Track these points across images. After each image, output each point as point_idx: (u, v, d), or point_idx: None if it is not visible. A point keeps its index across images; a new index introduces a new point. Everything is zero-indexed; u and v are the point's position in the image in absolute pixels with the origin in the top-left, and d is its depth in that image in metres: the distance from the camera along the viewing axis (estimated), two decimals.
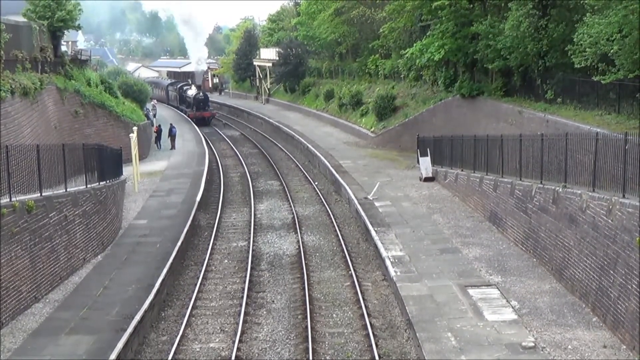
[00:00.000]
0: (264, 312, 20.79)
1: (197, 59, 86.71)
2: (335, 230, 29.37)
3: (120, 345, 16.52)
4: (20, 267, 18.81)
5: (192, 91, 74.33)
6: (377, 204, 31.10)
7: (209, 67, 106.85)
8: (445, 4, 37.30)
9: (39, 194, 20.69)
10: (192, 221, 29.19)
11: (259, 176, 43.42)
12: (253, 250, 26.86)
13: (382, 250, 24.13)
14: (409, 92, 50.60)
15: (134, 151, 36.80)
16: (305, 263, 24.83)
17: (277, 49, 78.60)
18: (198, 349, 18.34)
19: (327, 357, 17.77)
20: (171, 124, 53.30)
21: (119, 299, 19.89)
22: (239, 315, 20.07)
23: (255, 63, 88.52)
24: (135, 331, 17.78)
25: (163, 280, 21.51)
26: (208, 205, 34.89)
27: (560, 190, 20.80)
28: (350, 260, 25.10)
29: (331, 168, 40.14)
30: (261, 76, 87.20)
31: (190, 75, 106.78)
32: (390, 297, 21.47)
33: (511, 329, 17.22)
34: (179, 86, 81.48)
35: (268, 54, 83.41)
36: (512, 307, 18.68)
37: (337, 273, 24.27)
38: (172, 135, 51.23)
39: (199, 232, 29.91)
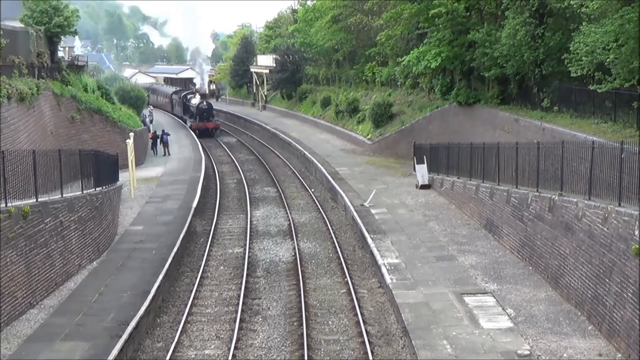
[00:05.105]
0: (260, 319, 20.76)
1: (201, 62, 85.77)
2: (332, 237, 29.36)
3: (115, 351, 16.47)
4: (16, 273, 18.76)
5: (195, 100, 68.95)
6: (373, 211, 31.09)
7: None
8: (442, 12, 37.41)
9: (34, 200, 20.67)
10: (188, 227, 29.15)
11: (256, 183, 43.41)
12: (249, 256, 26.82)
13: (378, 257, 24.11)
14: (406, 100, 50.68)
15: (131, 157, 36.75)
16: (301, 270, 24.80)
17: (274, 56, 78.60)
18: (193, 356, 18.29)
19: None
20: (163, 130, 53.22)
21: (115, 305, 19.83)
22: (235, 322, 20.03)
23: (252, 70, 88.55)
24: (131, 337, 17.73)
25: (158, 286, 21.46)
26: (204, 211, 34.86)
27: (556, 198, 20.84)
28: (346, 267, 25.08)
29: (327, 175, 40.15)
30: (258, 83, 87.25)
31: (188, 82, 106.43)
32: (386, 304, 21.45)
33: (507, 337, 17.22)
34: (182, 94, 76.65)
35: (265, 61, 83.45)
36: (508, 315, 18.68)
37: (333, 280, 24.24)
38: (163, 142, 51.20)
39: (195, 238, 29.87)
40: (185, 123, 71.42)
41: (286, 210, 34.94)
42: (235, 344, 18.58)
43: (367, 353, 17.82)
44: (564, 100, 31.16)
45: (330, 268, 25.61)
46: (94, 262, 24.23)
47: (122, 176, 35.77)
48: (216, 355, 18.31)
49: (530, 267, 22.37)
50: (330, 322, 20.39)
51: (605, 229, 17.49)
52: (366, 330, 19.17)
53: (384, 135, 48.85)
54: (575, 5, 26.09)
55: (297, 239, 29.23)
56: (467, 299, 19.89)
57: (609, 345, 16.55)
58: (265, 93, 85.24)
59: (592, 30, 24.37)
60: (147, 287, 21.16)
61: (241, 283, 23.49)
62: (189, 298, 22.22)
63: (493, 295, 20.15)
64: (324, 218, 32.92)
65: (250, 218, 33.34)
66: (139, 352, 18.39)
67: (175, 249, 25.26)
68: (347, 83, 65.40)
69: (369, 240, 26.21)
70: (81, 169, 25.66)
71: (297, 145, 52.91)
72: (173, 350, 18.26)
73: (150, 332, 19.74)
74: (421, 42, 42.53)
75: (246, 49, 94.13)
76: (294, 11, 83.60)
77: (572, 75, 27.10)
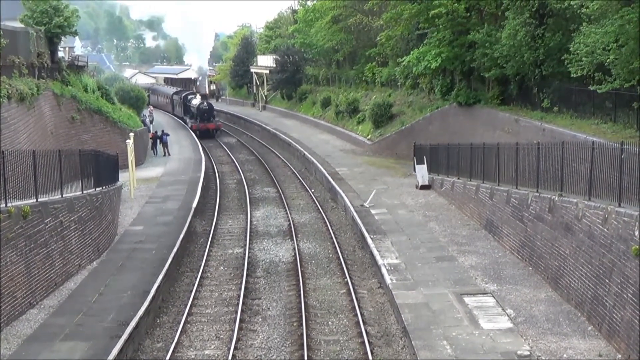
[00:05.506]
0: (260, 319, 20.75)
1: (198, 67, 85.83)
2: (331, 238, 29.35)
3: (115, 351, 16.47)
4: (15, 273, 18.75)
5: (196, 100, 68.39)
6: (373, 211, 31.09)
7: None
8: (442, 12, 37.41)
9: (34, 200, 20.66)
10: (188, 228, 29.15)
11: (256, 183, 43.41)
12: (249, 257, 26.81)
13: (378, 257, 24.11)
14: (406, 100, 50.67)
15: (131, 157, 36.75)
16: (301, 270, 24.80)
17: (274, 56, 78.60)
18: (193, 356, 18.29)
19: None
20: (162, 131, 53.35)
21: (114, 306, 19.83)
22: (235, 322, 20.03)
23: (252, 70, 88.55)
24: (130, 338, 17.72)
25: (158, 286, 21.45)
26: (204, 211, 34.86)
27: (556, 198, 20.83)
28: (346, 267, 25.07)
29: (327, 175, 40.15)
30: (258, 83, 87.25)
31: (188, 82, 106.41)
32: (385, 304, 21.44)
33: (507, 338, 17.21)
34: (183, 95, 75.78)
35: (265, 61, 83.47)
36: (508, 316, 18.67)
37: (332, 280, 24.24)
38: (163, 142, 51.30)
39: (194, 238, 29.86)
40: (186, 124, 71.17)
41: (286, 210, 34.94)
42: (235, 344, 18.57)
43: (367, 353, 17.81)
44: (564, 101, 31.16)
45: (330, 268, 25.60)
46: (94, 262, 24.23)
47: (122, 176, 35.78)
48: (216, 355, 18.30)
49: (530, 268, 22.36)
50: (330, 322, 20.39)
51: (605, 229, 17.48)
52: (366, 331, 19.16)
53: (384, 136, 48.85)
54: (575, 6, 26.10)
55: (297, 239, 29.23)
56: (467, 299, 19.89)
57: (608, 346, 16.55)
58: (266, 93, 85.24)
59: (592, 30, 24.37)
60: (147, 287, 21.16)
61: (241, 283, 23.49)
62: (188, 298, 22.21)
63: (493, 296, 20.14)
64: (324, 218, 32.92)
65: (250, 218, 33.33)
66: (138, 352, 18.38)
67: (175, 249, 25.26)
68: (347, 83, 65.38)
69: (369, 241, 26.20)
70: (81, 169, 25.66)
71: (297, 145, 52.90)
72: (173, 351, 18.26)
73: (150, 332, 19.74)
74: (421, 42, 42.54)
75: (246, 49, 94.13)
76: (294, 11, 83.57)
77: (572, 75, 27.11)
